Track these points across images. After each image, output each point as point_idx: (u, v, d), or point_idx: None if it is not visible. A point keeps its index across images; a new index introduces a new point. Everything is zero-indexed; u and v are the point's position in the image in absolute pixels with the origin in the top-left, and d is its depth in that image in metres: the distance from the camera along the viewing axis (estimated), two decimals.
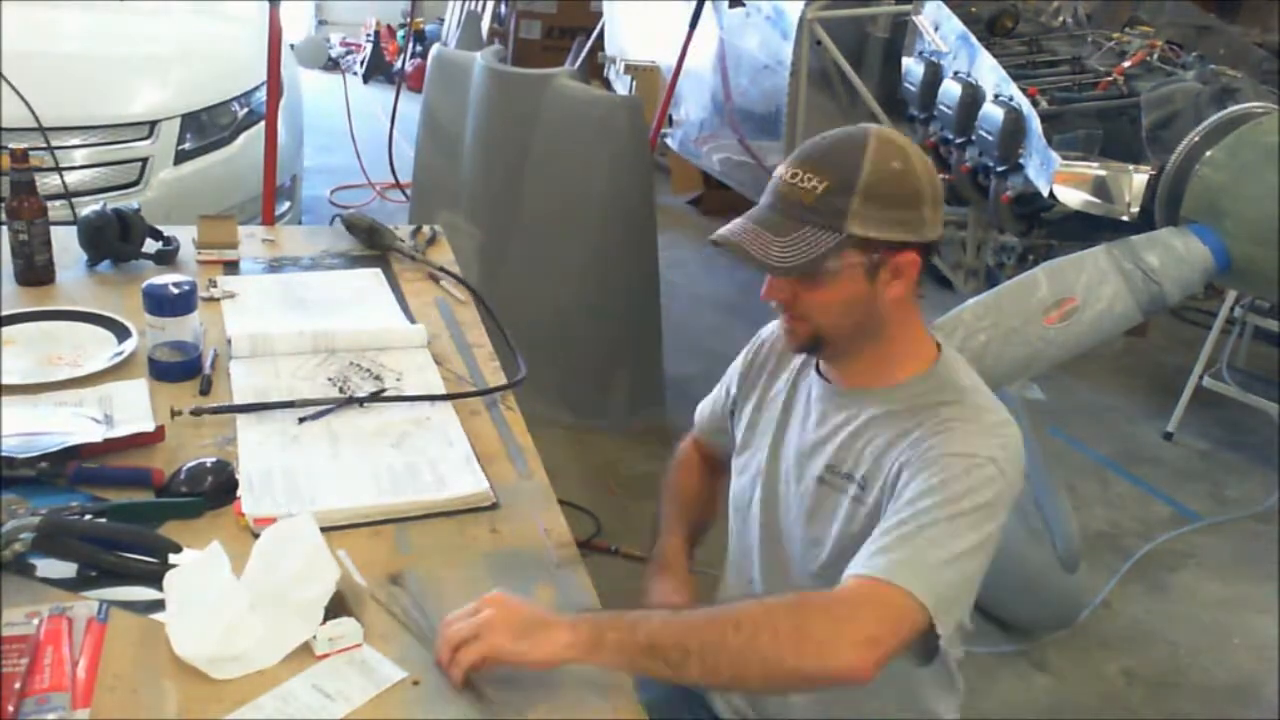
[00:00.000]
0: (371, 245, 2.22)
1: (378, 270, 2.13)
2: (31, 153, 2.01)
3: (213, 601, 1.14)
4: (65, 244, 2.02)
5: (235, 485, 1.39)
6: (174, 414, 1.50)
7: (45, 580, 1.22)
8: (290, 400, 1.58)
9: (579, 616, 1.16)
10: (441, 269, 2.15)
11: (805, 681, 1.22)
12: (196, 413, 1.50)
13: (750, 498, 1.48)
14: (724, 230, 1.31)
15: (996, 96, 2.77)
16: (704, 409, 1.67)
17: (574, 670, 1.14)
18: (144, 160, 3.32)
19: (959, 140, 2.97)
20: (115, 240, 2.03)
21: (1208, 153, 2.22)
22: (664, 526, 1.59)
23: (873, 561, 1.21)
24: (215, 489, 1.38)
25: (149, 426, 1.49)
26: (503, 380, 1.75)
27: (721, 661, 1.14)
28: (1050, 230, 2.96)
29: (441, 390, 1.69)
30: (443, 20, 7.35)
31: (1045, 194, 2.57)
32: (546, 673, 1.13)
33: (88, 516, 1.30)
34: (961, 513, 1.22)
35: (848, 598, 1.19)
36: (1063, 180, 2.50)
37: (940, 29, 3.16)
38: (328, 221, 2.34)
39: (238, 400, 1.60)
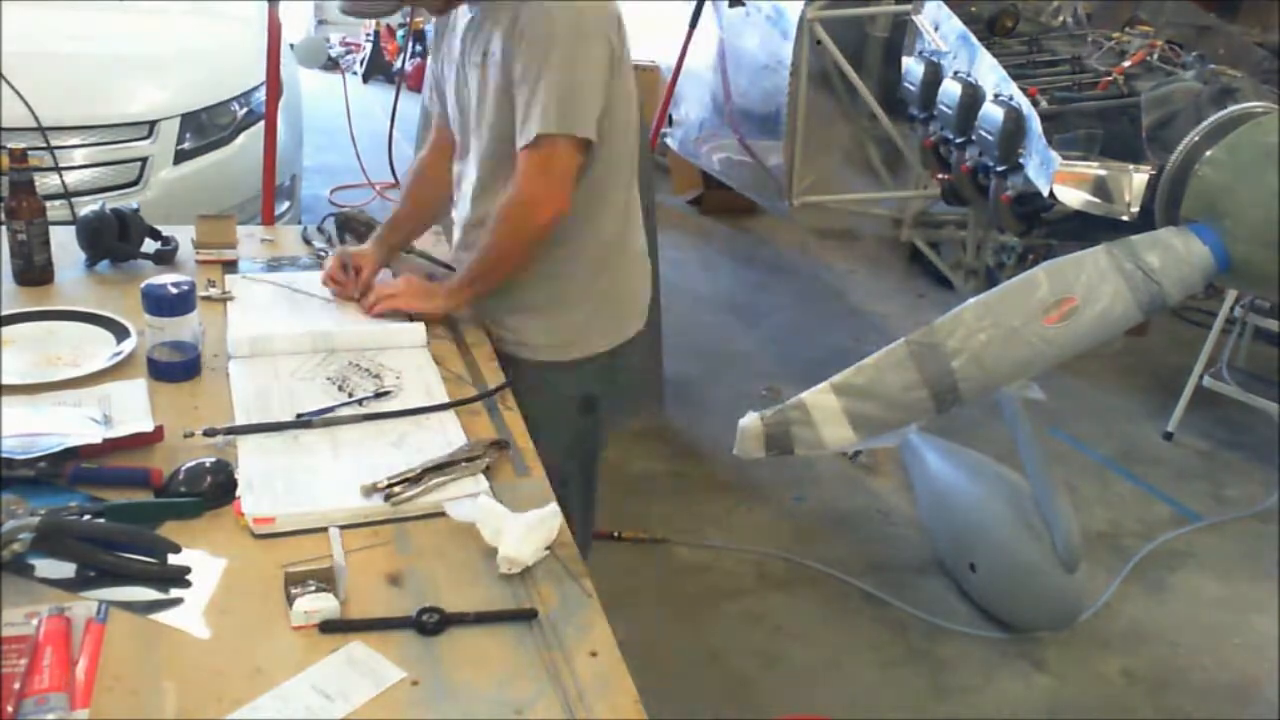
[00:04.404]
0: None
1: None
2: (31, 153, 2.01)
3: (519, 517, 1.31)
4: (64, 244, 2.02)
5: (234, 485, 1.39)
6: (186, 436, 1.48)
7: (44, 580, 1.22)
8: (299, 417, 1.56)
9: (448, 287, 1.90)
10: (444, 266, 2.14)
11: (541, 245, 1.81)
12: (210, 433, 1.48)
13: (451, 104, 1.93)
14: None
15: (996, 96, 2.77)
16: (426, 98, 2.08)
17: (573, 669, 1.14)
18: (143, 160, 3.31)
19: (959, 140, 2.97)
20: (114, 240, 2.02)
21: (1208, 153, 2.22)
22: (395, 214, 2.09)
23: (526, 129, 1.70)
24: (214, 489, 1.38)
25: (148, 426, 1.49)
26: (502, 379, 1.76)
27: (496, 278, 1.86)
28: (1050, 230, 2.96)
29: (441, 389, 1.70)
30: None
31: (1045, 194, 2.57)
32: (552, 671, 1.14)
33: (86, 516, 1.29)
34: (580, 37, 1.66)
35: (523, 179, 1.73)
36: (1063, 180, 2.50)
37: (940, 29, 3.16)
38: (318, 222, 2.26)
39: (237, 403, 1.60)
